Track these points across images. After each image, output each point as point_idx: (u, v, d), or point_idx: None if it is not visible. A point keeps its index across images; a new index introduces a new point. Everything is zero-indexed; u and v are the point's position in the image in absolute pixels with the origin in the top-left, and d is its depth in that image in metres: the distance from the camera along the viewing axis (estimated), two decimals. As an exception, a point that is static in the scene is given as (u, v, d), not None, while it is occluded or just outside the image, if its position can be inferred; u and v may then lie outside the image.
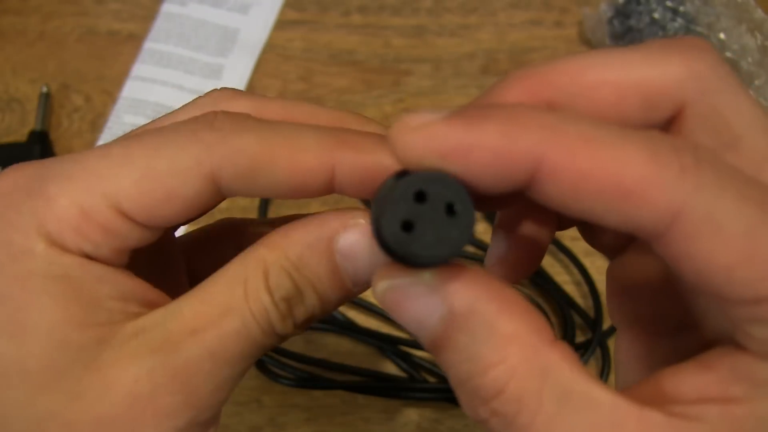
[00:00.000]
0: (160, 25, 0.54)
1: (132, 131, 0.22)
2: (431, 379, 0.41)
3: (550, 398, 0.15)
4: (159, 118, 0.22)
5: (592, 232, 0.22)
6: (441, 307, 0.16)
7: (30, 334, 0.18)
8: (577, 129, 0.15)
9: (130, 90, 0.52)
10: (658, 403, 0.16)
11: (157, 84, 0.52)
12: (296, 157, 0.19)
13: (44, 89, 0.51)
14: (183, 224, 0.20)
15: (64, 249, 0.18)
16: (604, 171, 0.15)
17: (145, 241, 0.19)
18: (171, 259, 0.24)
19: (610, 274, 0.22)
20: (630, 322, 0.21)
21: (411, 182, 0.15)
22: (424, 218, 0.15)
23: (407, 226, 0.15)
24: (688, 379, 0.16)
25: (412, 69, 0.53)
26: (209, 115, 0.19)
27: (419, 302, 0.16)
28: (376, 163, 0.19)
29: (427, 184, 0.15)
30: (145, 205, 0.19)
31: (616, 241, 0.22)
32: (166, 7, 0.55)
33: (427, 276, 0.16)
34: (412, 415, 0.41)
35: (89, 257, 0.19)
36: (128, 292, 0.19)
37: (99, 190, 0.18)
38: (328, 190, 0.20)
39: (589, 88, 0.17)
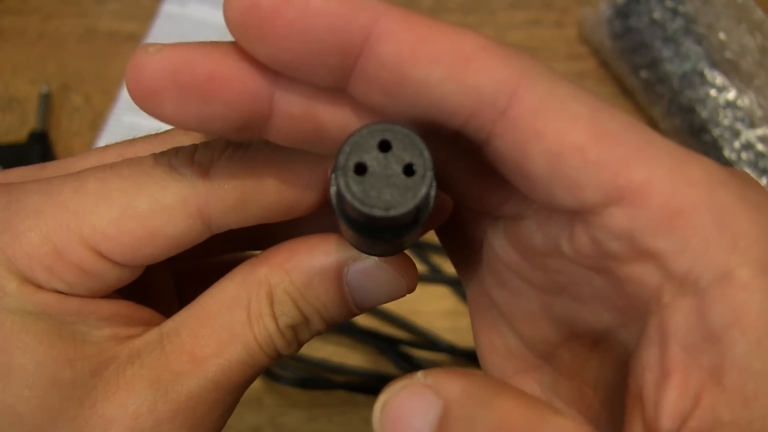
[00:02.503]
0: (160, 25, 0.54)
1: (105, 147, 0.20)
2: (431, 379, 0.42)
3: None
4: (134, 139, 0.21)
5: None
6: (437, 402, 0.14)
7: (16, 376, 0.17)
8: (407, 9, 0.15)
9: (130, 90, 0.52)
10: None
11: (157, 84, 0.52)
12: (285, 175, 0.18)
13: (44, 89, 0.51)
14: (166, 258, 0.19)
15: (37, 287, 0.17)
16: (441, 35, 0.14)
17: (126, 280, 0.18)
18: (158, 283, 0.23)
19: (471, 311, 0.21)
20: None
21: (376, 129, 0.14)
22: (381, 170, 0.14)
23: (360, 169, 0.14)
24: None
25: (412, 69, 0.53)
26: (189, 149, 0.18)
27: (416, 402, 0.14)
28: None
29: (393, 135, 0.14)
30: (125, 246, 0.17)
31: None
32: (166, 7, 0.55)
33: (419, 374, 0.15)
34: (412, 415, 0.41)
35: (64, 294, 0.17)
36: (114, 316, 0.18)
37: (74, 229, 0.17)
38: (327, 203, 0.18)
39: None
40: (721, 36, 0.48)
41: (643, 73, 0.49)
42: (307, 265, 0.18)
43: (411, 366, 0.42)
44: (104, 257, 0.17)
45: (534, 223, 0.17)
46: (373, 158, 0.14)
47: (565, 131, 0.14)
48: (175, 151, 0.18)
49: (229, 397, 0.18)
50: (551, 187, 0.14)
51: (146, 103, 0.15)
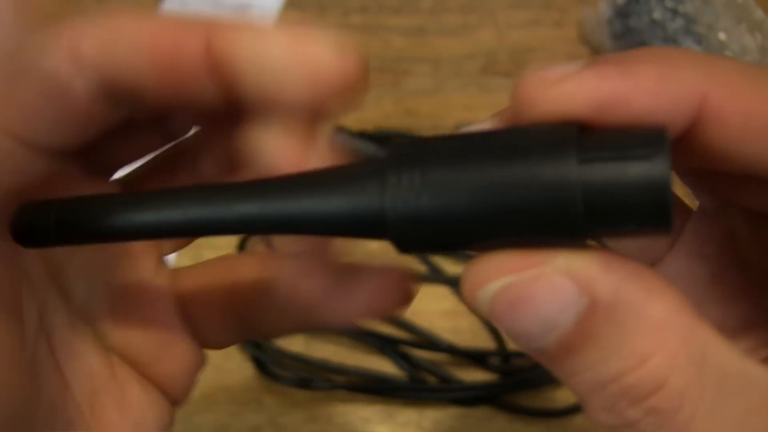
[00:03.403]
0: (160, 25, 0.55)
1: None
2: (431, 379, 0.41)
3: (709, 386, 0.13)
4: None
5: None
6: (579, 300, 0.13)
7: None
8: (731, 66, 0.14)
9: (130, 90, 0.52)
10: None
11: (157, 84, 0.52)
12: (172, 26, 0.15)
13: (44, 89, 0.51)
14: (76, 142, 0.17)
15: None
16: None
17: (24, 167, 0.16)
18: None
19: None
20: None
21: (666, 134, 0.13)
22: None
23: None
24: None
25: (412, 69, 0.53)
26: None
27: (550, 298, 0.13)
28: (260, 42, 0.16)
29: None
30: None
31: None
32: (166, 8, 0.55)
33: (559, 260, 0.13)
34: (412, 415, 0.41)
35: None
36: None
37: None
38: (213, 82, 0.16)
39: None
40: (721, 36, 0.48)
41: (643, 73, 0.49)
42: None
43: (411, 366, 0.42)
44: None
45: None
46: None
47: None
48: None
49: None
50: None
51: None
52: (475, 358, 0.42)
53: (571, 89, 0.13)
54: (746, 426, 0.13)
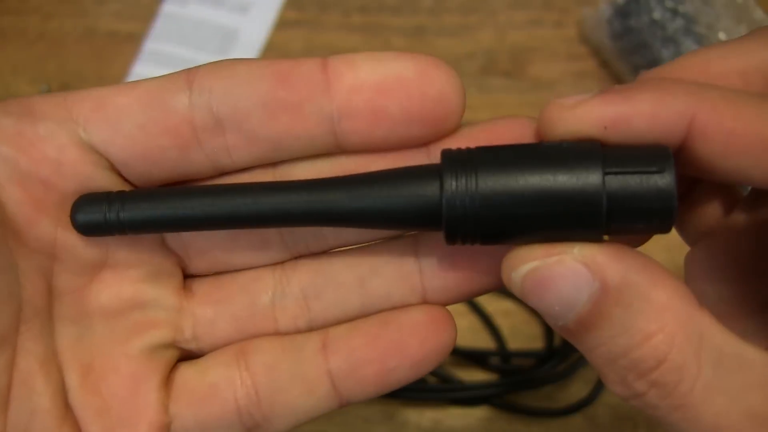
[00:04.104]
0: (160, 25, 0.54)
1: None
2: (431, 379, 0.41)
3: (707, 363, 0.15)
4: None
5: (696, 209, 0.22)
6: (591, 283, 0.15)
7: None
8: (719, 93, 0.16)
9: (130, 90, 0.52)
10: None
11: (157, 84, 0.52)
12: None
13: (44, 89, 0.51)
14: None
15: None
16: (749, 127, 0.15)
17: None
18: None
19: (693, 259, 0.22)
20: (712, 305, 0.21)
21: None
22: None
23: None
24: None
25: (412, 69, 0.53)
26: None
27: (567, 280, 0.16)
28: None
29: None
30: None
31: (712, 222, 0.21)
32: (166, 7, 0.55)
33: (576, 250, 0.16)
34: (412, 415, 0.41)
35: None
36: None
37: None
38: None
39: (717, 78, 0.18)
40: (721, 36, 0.48)
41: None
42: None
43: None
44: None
45: None
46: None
47: None
48: None
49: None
50: None
51: None
52: (475, 358, 0.42)
53: (582, 113, 0.16)
54: (743, 400, 0.15)
